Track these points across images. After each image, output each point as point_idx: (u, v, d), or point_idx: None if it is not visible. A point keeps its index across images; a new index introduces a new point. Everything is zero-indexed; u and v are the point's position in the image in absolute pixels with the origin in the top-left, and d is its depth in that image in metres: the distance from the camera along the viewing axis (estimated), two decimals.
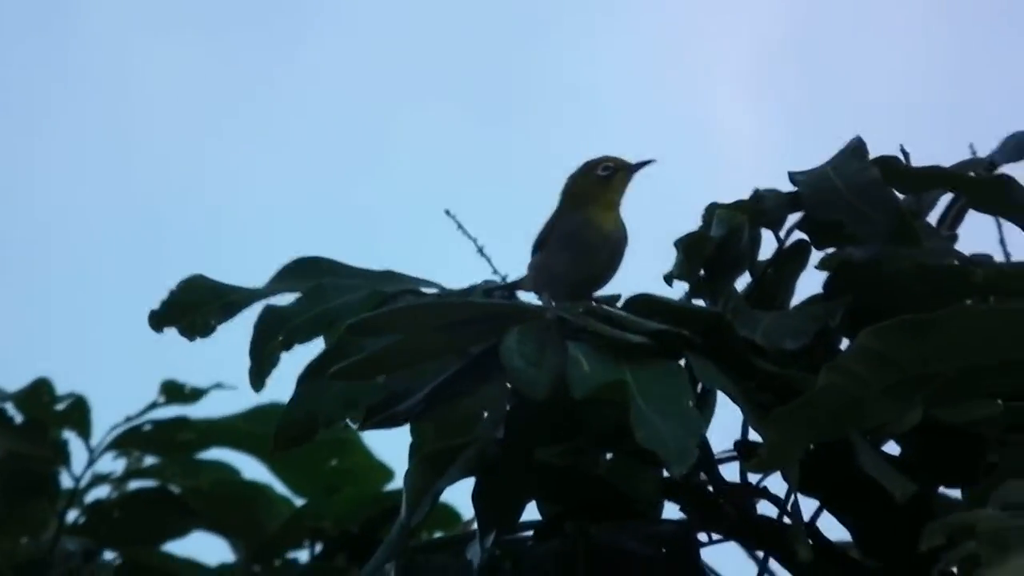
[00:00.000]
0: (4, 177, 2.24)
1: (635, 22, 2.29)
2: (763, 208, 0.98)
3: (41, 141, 2.32)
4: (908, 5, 2.21)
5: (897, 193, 0.98)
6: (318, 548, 1.29)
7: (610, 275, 1.03)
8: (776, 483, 0.97)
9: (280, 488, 1.29)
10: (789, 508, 0.94)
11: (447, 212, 1.02)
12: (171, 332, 0.93)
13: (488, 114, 2.27)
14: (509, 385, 0.90)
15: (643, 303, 0.92)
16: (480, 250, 1.05)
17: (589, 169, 1.04)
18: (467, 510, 1.26)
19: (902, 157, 1.01)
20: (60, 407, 1.21)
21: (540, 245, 1.04)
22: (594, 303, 0.95)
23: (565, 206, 1.04)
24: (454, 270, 1.02)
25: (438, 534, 1.29)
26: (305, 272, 0.96)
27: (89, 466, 1.24)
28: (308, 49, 2.34)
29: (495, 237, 1.05)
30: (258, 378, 0.91)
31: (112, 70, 2.33)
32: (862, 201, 0.96)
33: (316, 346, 0.94)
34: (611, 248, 1.03)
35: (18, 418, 1.21)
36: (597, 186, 1.03)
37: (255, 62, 2.34)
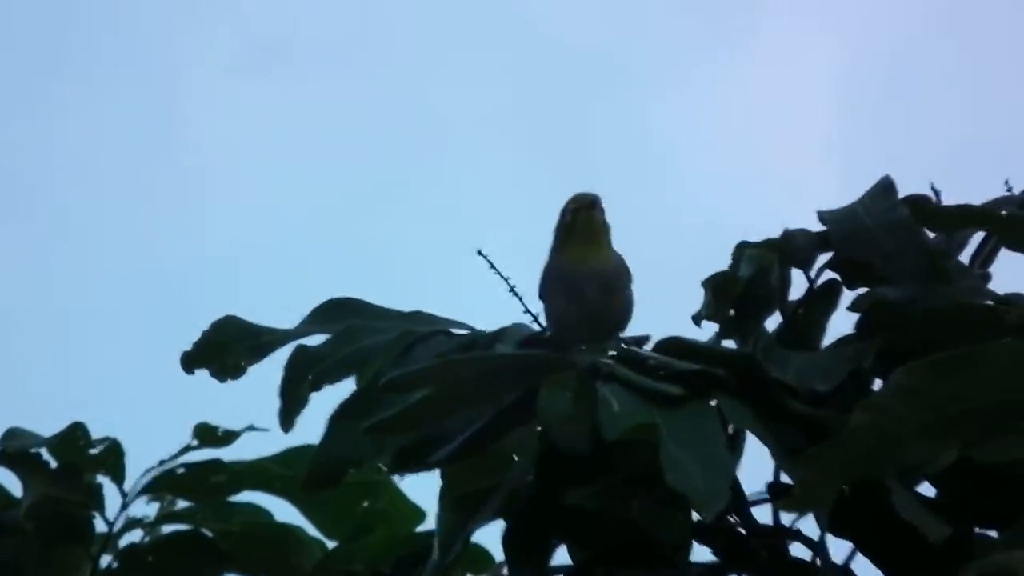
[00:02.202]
0: (35, 206, 2.27)
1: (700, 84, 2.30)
2: (793, 247, 0.98)
3: (79, 177, 2.34)
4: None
5: (928, 232, 0.98)
6: None
7: (616, 309, 1.02)
8: (809, 525, 0.97)
9: (312, 530, 1.29)
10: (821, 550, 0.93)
11: (479, 252, 1.02)
12: (202, 374, 0.94)
13: (536, 156, 2.28)
14: (539, 428, 0.90)
15: (673, 345, 0.92)
16: (512, 289, 1.05)
17: (561, 212, 1.05)
18: (499, 553, 1.26)
19: (933, 195, 1.01)
20: (94, 451, 1.22)
21: (541, 296, 1.05)
22: (623, 345, 0.95)
23: (551, 252, 1.05)
24: (485, 310, 1.03)
25: None
26: (336, 313, 0.96)
27: (123, 510, 1.24)
28: (345, 85, 2.36)
29: (527, 275, 1.05)
30: (287, 419, 0.91)
31: (149, 111, 2.35)
32: (891, 240, 0.95)
33: (347, 387, 0.95)
34: (600, 281, 1.02)
35: (53, 463, 1.22)
36: (567, 227, 1.03)
37: (289, 97, 2.36)
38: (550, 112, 2.32)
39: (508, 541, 0.92)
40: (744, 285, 0.96)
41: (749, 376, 0.90)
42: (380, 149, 2.30)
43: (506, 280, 1.04)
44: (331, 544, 1.31)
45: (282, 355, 0.97)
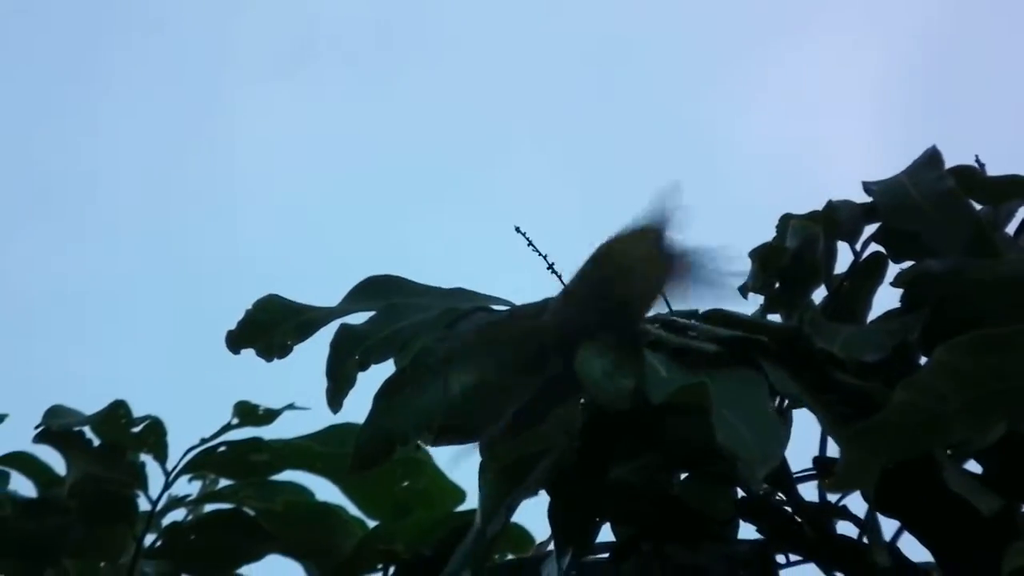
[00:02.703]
0: (74, 201, 2.28)
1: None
2: (838, 219, 0.97)
3: (119, 171, 2.35)
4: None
5: (975, 204, 0.97)
6: (391, 570, 1.29)
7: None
8: (856, 503, 0.96)
9: (353, 510, 1.29)
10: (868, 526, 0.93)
11: (517, 229, 1.02)
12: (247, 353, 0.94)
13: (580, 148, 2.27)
14: (584, 401, 0.89)
15: (716, 317, 0.91)
16: (551, 267, 1.04)
17: None
18: (539, 532, 1.26)
19: (978, 167, 1.00)
20: (136, 430, 1.22)
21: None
22: (671, 316, 0.94)
23: None
24: (524, 289, 1.02)
25: (509, 556, 1.28)
26: (377, 291, 0.96)
27: (165, 489, 1.25)
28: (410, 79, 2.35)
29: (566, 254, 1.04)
30: (336, 398, 0.91)
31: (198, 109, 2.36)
32: (937, 211, 0.94)
33: (389, 365, 0.95)
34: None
35: (96, 441, 1.22)
36: None
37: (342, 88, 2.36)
38: (590, 98, 2.31)
39: (553, 515, 0.91)
40: (790, 257, 0.95)
41: (794, 347, 0.89)
42: (413, 144, 2.30)
43: (544, 257, 1.03)
44: (372, 523, 1.31)
45: (324, 336, 0.96)
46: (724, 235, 0.95)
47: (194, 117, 2.35)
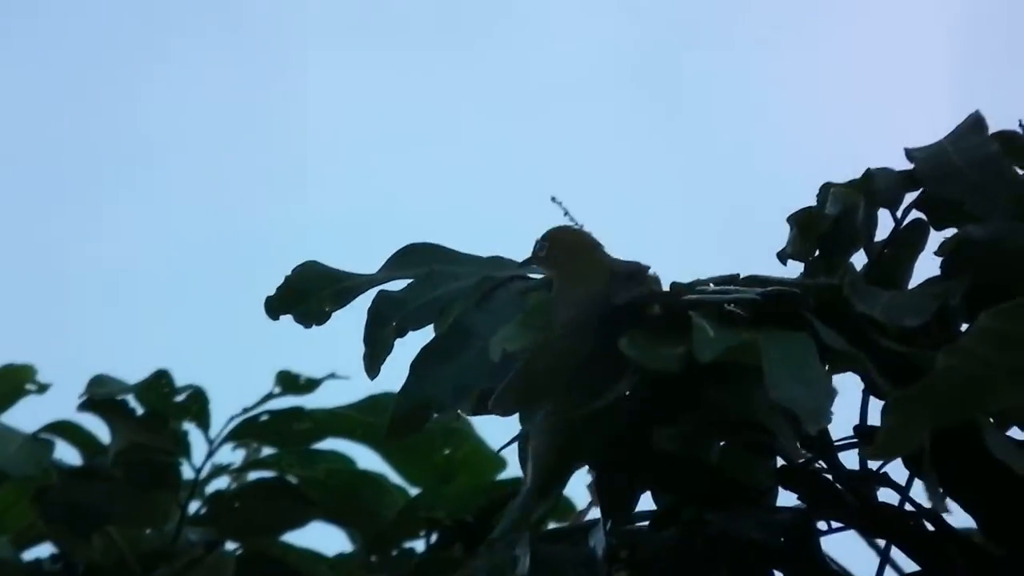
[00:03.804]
0: (130, 160, 2.28)
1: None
2: (879, 186, 0.96)
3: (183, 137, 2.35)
4: None
5: (1019, 169, 0.95)
6: (433, 537, 1.30)
7: None
8: (897, 470, 0.95)
9: (394, 478, 1.30)
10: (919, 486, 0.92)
11: (553, 199, 1.01)
12: (286, 321, 0.94)
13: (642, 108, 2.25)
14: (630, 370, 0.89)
15: (755, 281, 0.91)
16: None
17: None
18: (579, 501, 1.26)
19: (1022, 132, 0.98)
20: (179, 399, 1.23)
21: None
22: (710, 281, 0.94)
23: None
24: None
25: (552, 524, 1.29)
26: (415, 258, 0.96)
27: (209, 457, 1.26)
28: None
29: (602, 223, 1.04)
30: (373, 364, 0.91)
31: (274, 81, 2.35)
32: (981, 177, 0.93)
33: (427, 333, 0.95)
34: None
35: (139, 410, 1.23)
36: None
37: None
38: (648, 62, 2.29)
39: (598, 484, 0.91)
40: (831, 223, 0.95)
41: (835, 310, 0.88)
42: (466, 110, 2.29)
43: (580, 227, 1.03)
44: (413, 491, 1.31)
45: (362, 304, 0.97)
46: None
47: (253, 82, 2.35)
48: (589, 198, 1.02)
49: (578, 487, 1.17)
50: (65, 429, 1.25)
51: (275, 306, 0.93)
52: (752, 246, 1.03)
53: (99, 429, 1.25)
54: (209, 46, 2.35)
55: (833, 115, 2.19)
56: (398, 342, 0.94)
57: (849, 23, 2.27)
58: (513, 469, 1.25)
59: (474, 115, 2.28)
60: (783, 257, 0.96)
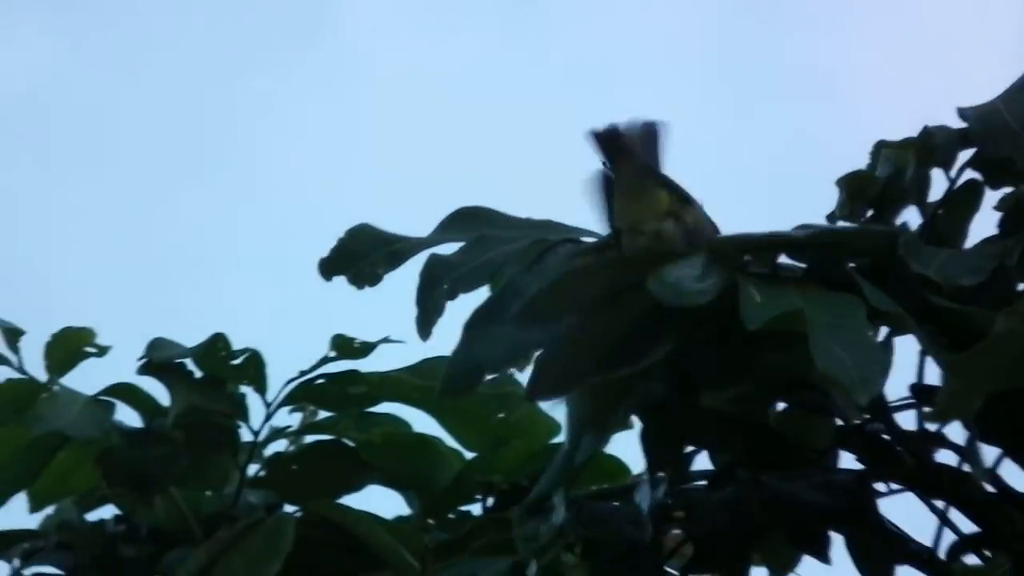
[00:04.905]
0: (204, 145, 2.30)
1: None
2: (932, 145, 0.95)
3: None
4: None
5: None
6: (489, 501, 1.30)
7: None
8: (955, 430, 0.95)
9: (449, 441, 1.30)
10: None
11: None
12: (339, 282, 0.95)
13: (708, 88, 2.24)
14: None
15: (809, 228, 0.90)
16: None
17: None
18: (634, 464, 1.26)
19: None
20: (236, 362, 1.24)
21: None
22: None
23: None
24: None
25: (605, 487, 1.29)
26: (466, 222, 0.96)
27: (266, 420, 1.27)
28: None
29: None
30: (425, 326, 0.92)
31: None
32: None
33: (479, 295, 0.95)
34: None
35: (197, 373, 1.25)
36: None
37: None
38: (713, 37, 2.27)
39: (645, 438, 0.91)
40: (881, 185, 0.94)
41: (888, 270, 0.87)
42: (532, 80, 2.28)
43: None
44: (468, 455, 1.32)
45: (414, 266, 0.97)
46: None
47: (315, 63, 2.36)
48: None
49: (634, 451, 1.16)
50: (125, 392, 1.26)
51: (328, 268, 0.94)
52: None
53: (159, 392, 1.26)
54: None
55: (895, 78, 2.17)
56: (450, 306, 0.94)
57: None
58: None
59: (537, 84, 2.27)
60: (832, 219, 0.96)
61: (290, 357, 1.27)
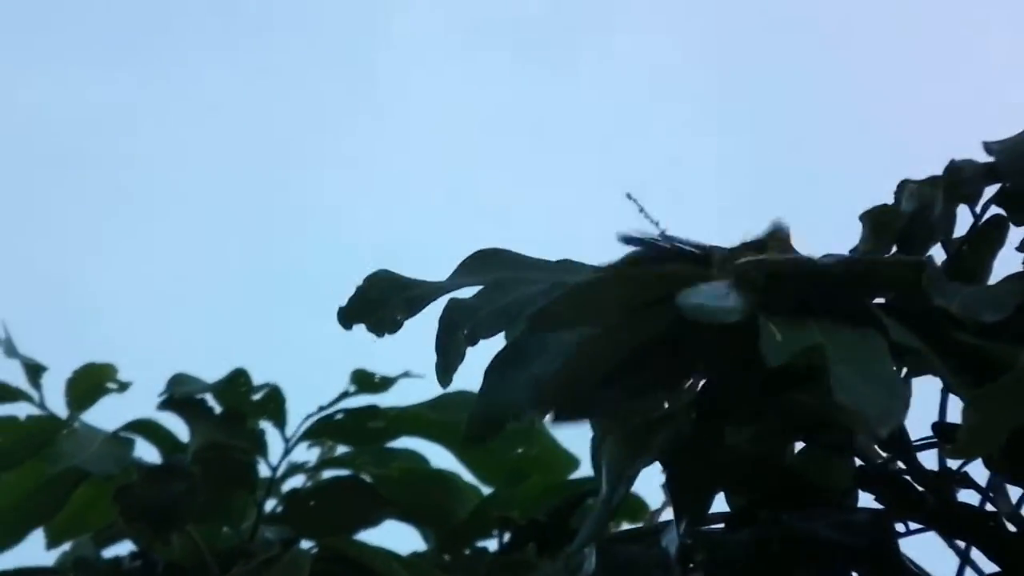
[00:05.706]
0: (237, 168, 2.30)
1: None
2: (958, 180, 0.95)
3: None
4: None
5: None
6: (506, 536, 1.30)
7: None
8: (978, 470, 0.94)
9: (467, 476, 1.30)
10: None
11: (629, 196, 1.00)
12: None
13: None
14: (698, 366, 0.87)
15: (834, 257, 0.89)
16: (663, 233, 1.03)
17: None
18: (652, 500, 1.25)
19: None
20: (256, 397, 1.24)
21: None
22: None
23: None
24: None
25: (624, 525, 1.28)
26: (484, 265, 0.96)
27: (285, 455, 1.27)
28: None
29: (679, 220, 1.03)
30: (446, 373, 0.91)
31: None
32: None
33: (500, 340, 0.95)
34: None
35: (217, 409, 1.25)
36: None
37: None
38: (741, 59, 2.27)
39: (671, 486, 0.91)
40: (907, 220, 0.93)
41: (912, 306, 0.86)
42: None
43: (656, 224, 1.02)
44: (486, 490, 1.32)
45: (435, 308, 0.97)
46: None
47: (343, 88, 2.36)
48: (665, 198, 1.01)
49: (651, 486, 1.16)
50: (145, 427, 1.26)
51: (348, 316, 0.93)
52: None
53: (178, 428, 1.26)
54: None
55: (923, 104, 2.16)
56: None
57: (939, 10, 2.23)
58: (586, 468, 1.25)
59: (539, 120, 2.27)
60: (854, 254, 0.95)
61: (311, 392, 1.27)
